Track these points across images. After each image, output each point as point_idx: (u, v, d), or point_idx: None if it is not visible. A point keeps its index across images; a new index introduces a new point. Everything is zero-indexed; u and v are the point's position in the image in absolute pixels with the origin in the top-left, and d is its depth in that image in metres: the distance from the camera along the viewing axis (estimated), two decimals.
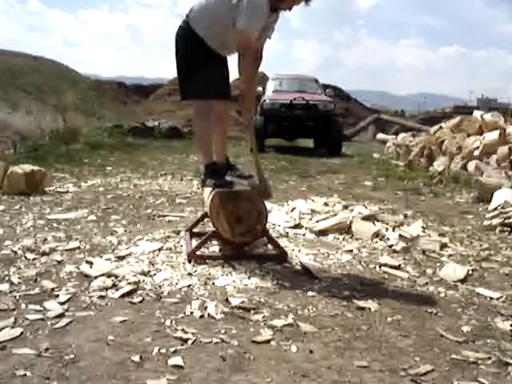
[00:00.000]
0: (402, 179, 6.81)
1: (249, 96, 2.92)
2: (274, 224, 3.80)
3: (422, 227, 3.83)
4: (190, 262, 2.84)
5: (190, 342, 1.90)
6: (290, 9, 2.94)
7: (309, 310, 2.26)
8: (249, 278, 2.64)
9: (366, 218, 3.82)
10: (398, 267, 2.91)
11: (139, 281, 2.53)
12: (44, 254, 2.95)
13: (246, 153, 9.80)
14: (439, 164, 7.34)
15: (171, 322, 2.07)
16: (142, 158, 8.48)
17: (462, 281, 2.73)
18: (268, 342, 1.93)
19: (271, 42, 3.13)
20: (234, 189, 2.97)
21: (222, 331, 2.01)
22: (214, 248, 3.16)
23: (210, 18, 2.88)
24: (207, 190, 3.16)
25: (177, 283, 2.52)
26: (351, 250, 3.24)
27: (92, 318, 2.10)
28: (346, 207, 4.35)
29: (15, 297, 2.30)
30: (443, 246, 3.38)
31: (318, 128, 10.70)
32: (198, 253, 2.92)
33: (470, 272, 2.87)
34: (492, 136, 6.70)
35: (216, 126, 3.11)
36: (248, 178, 3.16)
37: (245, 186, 3.02)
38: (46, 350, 1.80)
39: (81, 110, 11.77)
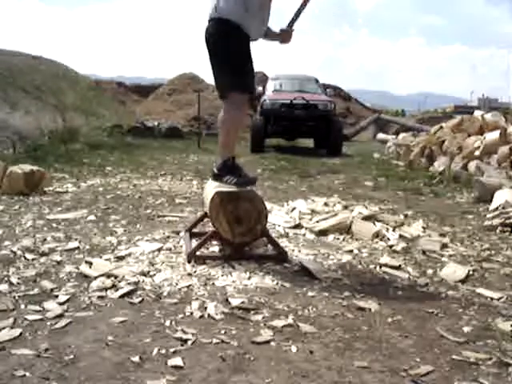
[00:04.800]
0: (403, 179, 6.80)
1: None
2: (274, 224, 3.79)
3: (423, 227, 3.82)
4: (189, 262, 2.83)
5: (189, 342, 1.90)
6: None
7: (309, 310, 2.25)
8: (249, 278, 2.64)
9: (366, 218, 3.82)
10: (398, 267, 2.90)
11: (139, 281, 2.52)
12: (43, 254, 2.94)
13: (246, 153, 9.81)
14: (440, 164, 7.33)
15: (171, 323, 2.06)
16: (141, 158, 8.48)
17: (463, 281, 2.72)
18: (268, 342, 1.93)
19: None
20: (234, 189, 2.95)
21: (222, 332, 2.00)
22: (213, 248, 3.15)
23: None
24: (208, 190, 3.15)
25: (176, 283, 2.51)
26: (351, 251, 3.23)
27: (91, 318, 2.10)
28: (346, 207, 4.34)
29: (14, 297, 2.29)
30: (444, 246, 3.37)
31: (318, 128, 10.70)
32: (197, 253, 2.91)
33: (471, 272, 2.86)
34: (493, 136, 6.70)
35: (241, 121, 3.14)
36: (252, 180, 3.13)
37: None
38: (46, 350, 1.80)
39: (80, 110, 11.76)
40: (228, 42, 2.92)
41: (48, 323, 2.03)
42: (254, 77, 3.08)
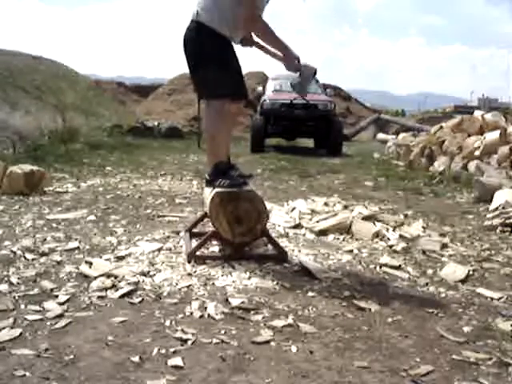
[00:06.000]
0: (403, 179, 6.81)
1: (284, 52, 2.99)
2: (273, 224, 3.79)
3: (423, 227, 3.82)
4: (189, 262, 2.83)
5: (189, 342, 1.90)
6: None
7: (309, 310, 2.25)
8: (249, 278, 2.64)
9: (366, 218, 3.82)
10: (398, 267, 2.90)
11: (139, 281, 2.52)
12: (43, 254, 2.94)
13: (246, 153, 9.81)
14: (440, 164, 7.33)
15: (171, 323, 2.06)
16: (141, 158, 8.48)
17: (463, 281, 2.72)
18: (268, 342, 1.93)
19: None
20: (234, 189, 2.95)
21: (222, 332, 2.00)
22: (213, 248, 3.15)
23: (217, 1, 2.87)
24: (207, 190, 3.15)
25: (176, 283, 2.51)
26: (351, 251, 3.23)
27: (91, 318, 2.10)
28: (346, 207, 4.34)
29: (14, 297, 2.29)
30: (444, 246, 3.37)
31: (318, 128, 10.71)
32: (197, 253, 2.91)
33: (471, 272, 2.86)
34: (493, 136, 6.70)
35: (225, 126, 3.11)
36: (248, 177, 3.14)
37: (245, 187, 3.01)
38: (46, 350, 1.79)
39: (80, 110, 11.76)
40: (203, 46, 2.93)
41: (48, 323, 2.03)
42: (238, 81, 3.01)
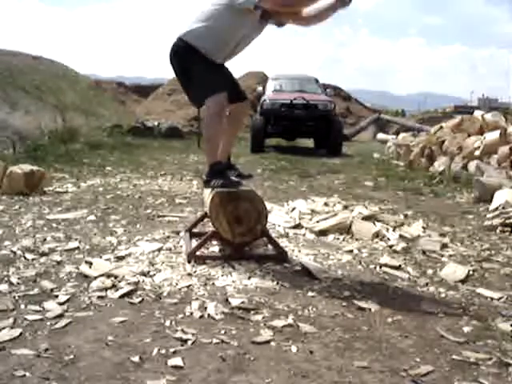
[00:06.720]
0: (403, 179, 6.80)
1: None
2: (273, 224, 3.79)
3: (423, 227, 3.82)
4: (189, 262, 2.83)
5: (189, 342, 1.90)
6: (278, 25, 3.07)
7: (309, 310, 2.25)
8: (249, 278, 2.64)
9: (366, 218, 3.82)
10: (398, 267, 2.90)
11: (139, 281, 2.52)
12: (43, 254, 2.94)
13: (246, 153, 9.81)
14: (440, 164, 7.33)
15: (171, 323, 2.06)
16: (141, 158, 8.48)
17: (463, 281, 2.72)
18: (268, 342, 1.93)
19: (271, 41, 3.16)
20: (234, 189, 2.95)
21: (222, 332, 2.00)
22: (213, 248, 3.15)
23: (212, 25, 2.89)
24: (207, 190, 3.15)
25: (176, 283, 2.51)
26: (351, 251, 3.23)
27: (91, 318, 2.10)
28: (346, 207, 4.34)
29: (14, 297, 2.29)
30: (444, 246, 3.37)
31: (318, 128, 10.71)
32: (197, 253, 2.91)
33: (471, 272, 2.86)
34: (493, 136, 6.70)
35: (228, 127, 3.12)
36: (248, 177, 3.15)
37: (245, 186, 3.01)
38: (46, 350, 1.80)
39: (80, 110, 11.76)
40: (189, 60, 2.96)
41: (48, 323, 2.03)
42: (223, 82, 3.02)
